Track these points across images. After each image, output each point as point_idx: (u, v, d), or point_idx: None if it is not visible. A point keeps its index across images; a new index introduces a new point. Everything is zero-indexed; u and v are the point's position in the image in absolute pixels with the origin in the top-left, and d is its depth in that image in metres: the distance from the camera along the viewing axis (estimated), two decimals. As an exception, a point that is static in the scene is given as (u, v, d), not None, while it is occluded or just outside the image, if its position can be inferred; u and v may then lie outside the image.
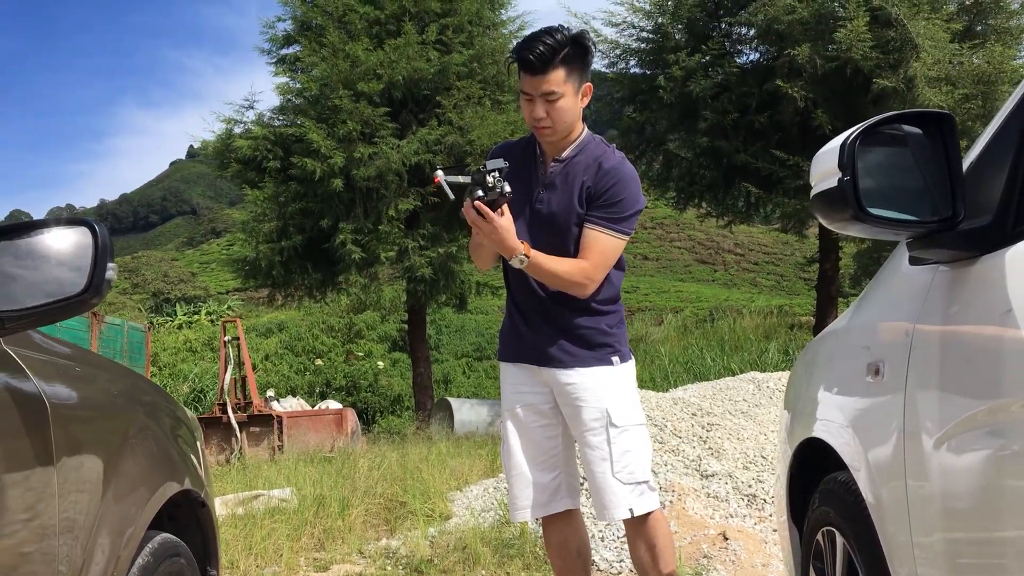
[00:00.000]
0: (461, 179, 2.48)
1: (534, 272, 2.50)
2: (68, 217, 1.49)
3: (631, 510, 2.53)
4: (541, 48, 2.41)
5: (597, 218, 2.52)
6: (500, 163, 2.40)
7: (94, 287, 1.38)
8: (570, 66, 2.45)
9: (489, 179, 2.38)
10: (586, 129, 2.61)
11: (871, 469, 1.64)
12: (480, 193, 2.39)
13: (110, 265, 1.41)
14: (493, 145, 2.76)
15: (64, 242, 1.42)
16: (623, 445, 2.54)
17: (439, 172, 2.50)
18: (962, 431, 1.33)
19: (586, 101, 2.55)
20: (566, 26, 2.49)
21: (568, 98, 2.47)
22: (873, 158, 1.45)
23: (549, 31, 2.45)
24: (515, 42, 2.55)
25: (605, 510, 2.57)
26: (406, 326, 15.06)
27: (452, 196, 2.56)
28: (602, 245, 2.51)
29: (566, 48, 2.43)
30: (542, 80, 2.43)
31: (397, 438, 10.98)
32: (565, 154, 2.58)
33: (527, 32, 2.68)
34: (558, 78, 2.44)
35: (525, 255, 2.44)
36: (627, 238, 2.56)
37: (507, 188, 2.38)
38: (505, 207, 2.42)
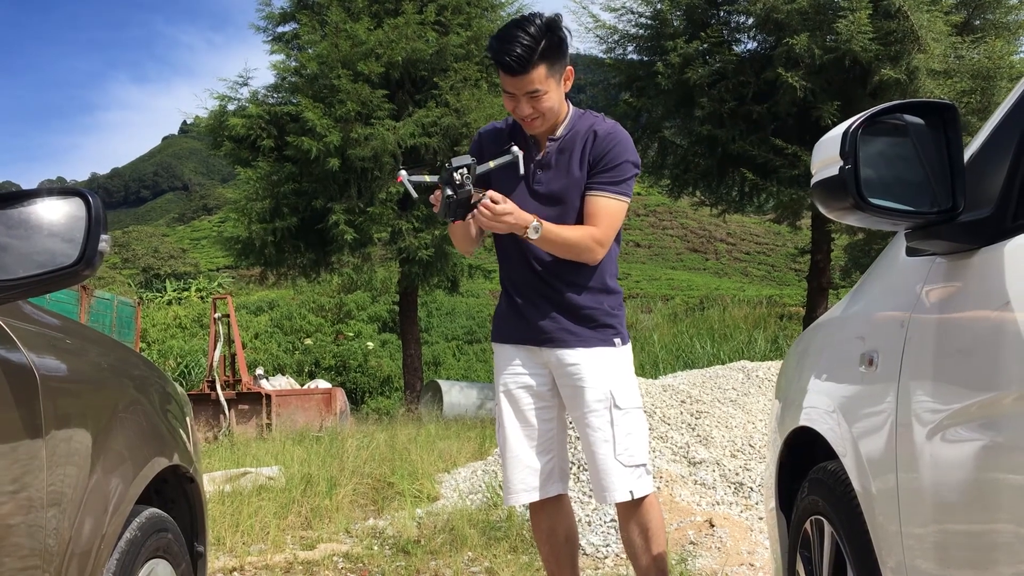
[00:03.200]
0: (427, 179, 2.47)
1: (546, 242, 2.49)
2: (62, 187, 1.47)
3: (631, 492, 2.53)
4: (519, 50, 2.37)
5: (599, 184, 2.52)
6: (467, 159, 2.39)
7: (86, 259, 1.36)
8: (549, 60, 2.42)
9: (456, 177, 2.37)
10: (571, 105, 2.61)
11: (862, 459, 1.64)
12: (449, 192, 2.38)
13: (103, 237, 1.39)
14: (504, 119, 2.73)
15: (57, 212, 1.40)
16: (626, 427, 2.55)
17: (402, 172, 2.48)
18: (955, 423, 1.33)
19: (569, 85, 2.54)
20: (538, 15, 2.45)
21: (552, 91, 2.46)
22: (875, 147, 1.44)
23: (522, 26, 2.40)
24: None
25: (605, 492, 2.56)
26: (397, 307, 15.06)
27: (415, 195, 2.56)
28: (609, 209, 2.52)
29: (543, 42, 2.40)
30: (523, 80, 2.41)
31: (386, 419, 10.99)
32: (559, 132, 2.58)
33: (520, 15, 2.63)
34: (540, 76, 2.42)
35: (539, 223, 2.44)
36: (629, 201, 2.57)
37: (472, 187, 2.37)
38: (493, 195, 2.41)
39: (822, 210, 1.54)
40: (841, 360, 1.86)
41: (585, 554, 3.98)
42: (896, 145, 1.46)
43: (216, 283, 32.41)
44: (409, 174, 2.46)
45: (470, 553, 4.03)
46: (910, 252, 1.59)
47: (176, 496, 2.07)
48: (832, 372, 1.94)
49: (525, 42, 2.37)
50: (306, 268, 12.78)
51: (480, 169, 2.43)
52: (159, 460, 1.82)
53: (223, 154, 12.33)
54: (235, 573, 3.88)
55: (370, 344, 21.70)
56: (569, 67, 2.52)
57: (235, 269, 34.87)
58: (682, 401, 5.84)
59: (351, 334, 22.63)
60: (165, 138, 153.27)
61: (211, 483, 5.25)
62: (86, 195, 1.40)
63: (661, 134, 12.37)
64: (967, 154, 1.53)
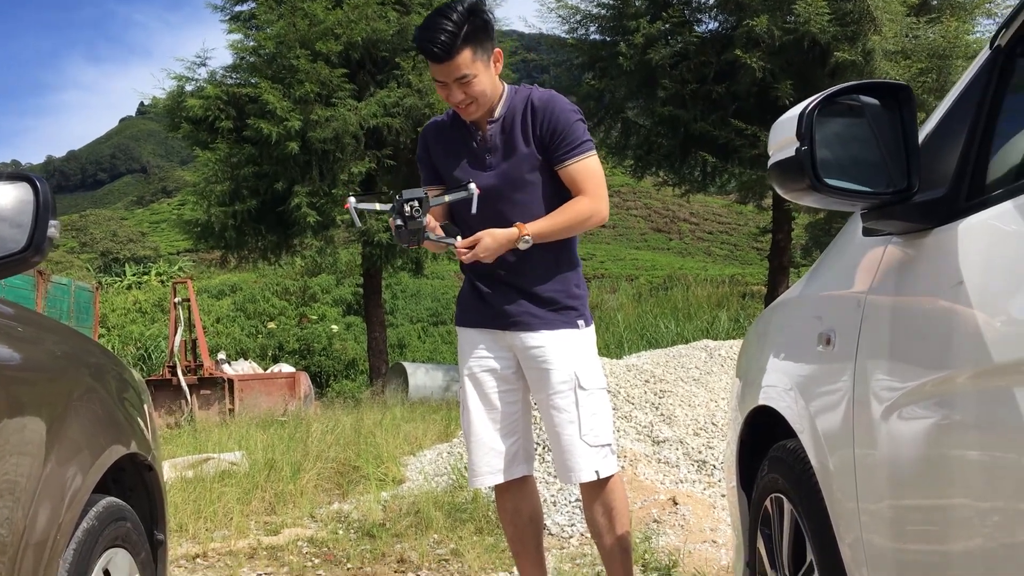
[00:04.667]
0: (378, 207, 2.47)
1: (551, 237, 2.51)
2: (9, 172, 1.44)
3: (597, 472, 2.55)
4: (442, 36, 2.38)
5: (564, 154, 2.53)
6: (419, 192, 2.40)
7: (35, 245, 1.34)
8: (474, 43, 2.43)
9: (406, 208, 2.38)
10: (505, 84, 2.61)
11: (819, 437, 1.66)
12: (399, 223, 2.39)
13: (52, 222, 1.36)
14: (445, 111, 2.72)
15: (4, 198, 1.37)
16: (590, 408, 2.56)
17: (351, 198, 2.49)
18: (911, 401, 1.35)
19: (499, 66, 2.54)
20: (459, 1, 2.44)
21: (481, 75, 2.47)
22: (831, 128, 1.45)
23: (444, 13, 2.41)
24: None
25: (571, 472, 2.57)
26: (361, 290, 14.97)
27: (359, 224, 2.57)
28: (588, 171, 2.54)
29: (465, 27, 2.40)
30: (450, 67, 2.43)
31: (351, 402, 10.95)
32: (497, 113, 2.58)
33: None
34: (466, 60, 2.43)
35: (526, 236, 2.46)
36: (594, 149, 2.59)
37: (426, 220, 2.39)
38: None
39: (779, 191, 1.55)
40: (799, 339, 1.88)
41: (550, 534, 4.00)
42: (852, 126, 1.47)
43: (177, 267, 31.99)
44: (358, 201, 2.47)
45: (436, 535, 4.03)
46: (866, 232, 1.60)
47: (135, 484, 2.04)
48: (790, 351, 1.96)
49: (448, 28, 2.38)
50: (267, 251, 12.64)
51: (434, 202, 2.44)
52: (116, 448, 1.80)
53: (181, 136, 12.13)
54: (198, 559, 3.85)
55: (334, 327, 21.57)
56: (497, 49, 2.52)
57: (196, 252, 34.46)
58: (646, 381, 5.88)
59: (315, 317, 22.48)
60: (123, 120, 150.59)
61: (173, 469, 5.20)
62: (34, 179, 1.37)
63: (624, 115, 12.39)
64: (922, 134, 1.54)
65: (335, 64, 11.36)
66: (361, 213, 2.47)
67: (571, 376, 2.55)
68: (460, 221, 2.63)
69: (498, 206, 2.53)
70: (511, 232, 2.46)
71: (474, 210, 2.45)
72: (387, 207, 2.43)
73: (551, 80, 12.88)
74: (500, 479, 2.65)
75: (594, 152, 2.57)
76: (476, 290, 2.66)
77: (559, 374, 2.56)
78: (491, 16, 2.50)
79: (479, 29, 2.43)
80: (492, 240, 2.46)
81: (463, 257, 2.48)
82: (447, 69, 2.43)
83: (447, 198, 2.46)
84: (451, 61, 2.41)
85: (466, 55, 2.41)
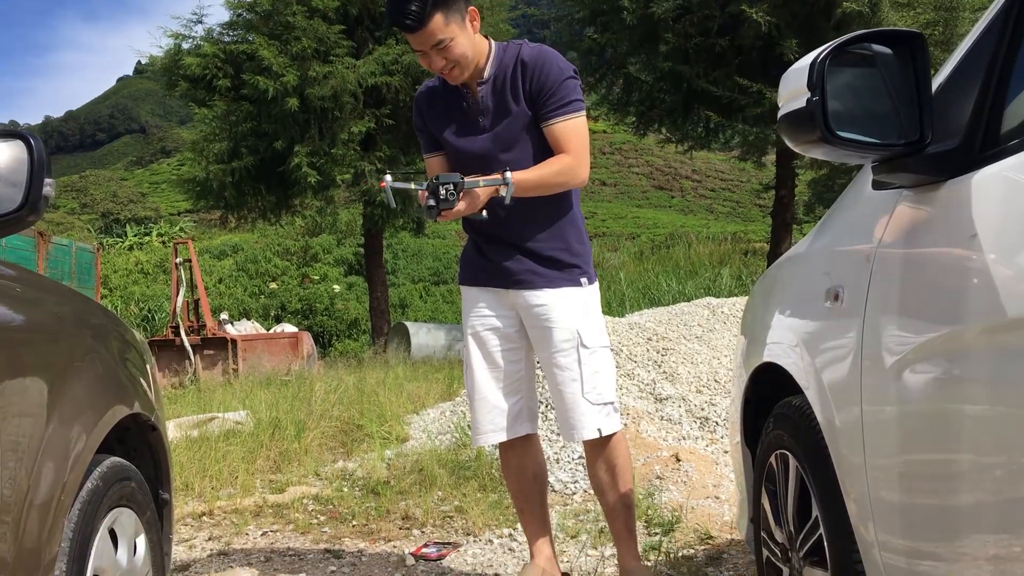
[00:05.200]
0: (414, 186, 2.44)
1: (526, 192, 2.45)
2: (2, 129, 1.41)
3: (599, 430, 2.55)
4: (412, 7, 2.35)
5: (551, 112, 2.48)
6: (455, 177, 2.39)
7: (31, 203, 1.32)
8: (444, 7, 2.38)
9: (442, 191, 2.37)
10: (492, 42, 2.57)
11: (826, 393, 1.65)
12: (432, 203, 2.38)
13: (47, 181, 1.34)
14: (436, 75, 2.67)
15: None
16: (593, 366, 2.56)
17: (387, 177, 2.47)
18: (920, 357, 1.33)
19: (477, 25, 2.50)
20: None
21: (459, 37, 2.43)
22: (842, 78, 1.42)
23: None
24: None
25: (573, 430, 2.58)
26: (362, 250, 14.94)
27: (392, 205, 2.60)
28: (573, 130, 2.49)
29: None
30: (424, 34, 2.39)
31: (354, 362, 10.98)
32: (487, 74, 2.54)
33: None
34: (439, 25, 2.38)
35: (507, 182, 2.40)
36: (584, 110, 2.55)
37: (460, 205, 2.38)
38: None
39: (789, 143, 1.51)
40: (806, 295, 1.86)
41: (554, 491, 4.02)
42: (864, 76, 1.44)
43: (178, 227, 31.96)
44: (394, 180, 2.45)
45: (440, 493, 4.06)
46: (876, 185, 1.57)
47: (139, 444, 2.04)
48: (797, 308, 1.95)
49: None
50: (267, 211, 12.59)
51: (468, 185, 2.39)
52: (119, 408, 1.79)
53: (179, 94, 12.02)
54: (204, 518, 3.88)
55: (336, 287, 21.60)
56: (472, 8, 2.48)
57: (197, 213, 34.38)
58: (648, 338, 5.88)
59: (317, 277, 22.50)
60: (120, 79, 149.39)
61: (178, 429, 5.22)
62: (28, 137, 1.34)
63: (626, 70, 12.23)
64: (935, 84, 1.51)
65: (332, 20, 11.21)
66: (397, 192, 2.45)
67: (573, 334, 2.54)
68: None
69: (492, 167, 2.50)
70: (490, 188, 2.41)
71: (507, 201, 2.41)
72: (422, 186, 2.41)
73: (552, 35, 12.71)
74: (503, 437, 2.66)
75: (582, 113, 2.52)
76: (479, 249, 2.65)
77: (561, 332, 2.55)
78: None
79: None
80: (475, 200, 2.41)
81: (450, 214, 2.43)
82: (422, 38, 2.40)
83: (481, 182, 2.41)
84: (424, 29, 2.37)
85: (438, 20, 2.37)
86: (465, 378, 2.74)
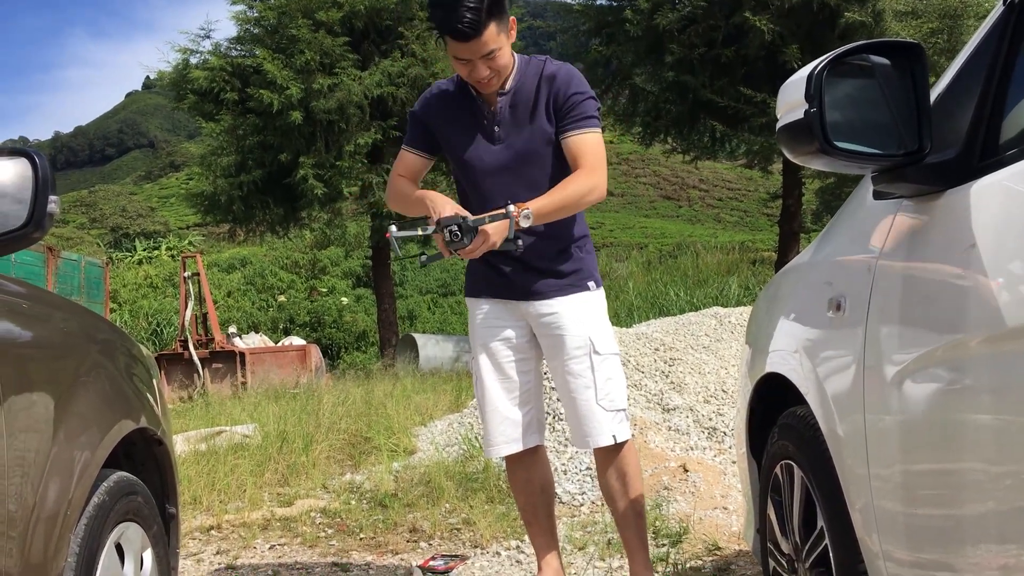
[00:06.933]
0: (420, 232, 2.42)
1: (547, 217, 2.42)
2: (8, 148, 1.43)
3: (614, 436, 2.56)
4: (468, 15, 2.28)
5: (572, 124, 2.47)
6: (457, 219, 2.34)
7: (36, 220, 1.33)
8: (497, 15, 2.35)
9: (446, 234, 2.33)
10: (514, 54, 2.54)
11: (830, 403, 1.65)
12: (448, 239, 2.34)
13: (52, 198, 1.36)
14: (450, 77, 2.65)
15: (4, 174, 1.36)
16: (606, 372, 2.56)
17: (392, 227, 2.41)
18: (922, 366, 1.33)
19: (514, 35, 2.48)
20: None
21: (505, 47, 2.41)
22: (841, 89, 1.42)
23: None
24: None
25: (588, 438, 2.58)
26: (370, 262, 14.97)
27: (399, 253, 2.58)
28: (590, 145, 2.47)
29: (491, 7, 2.32)
30: (477, 44, 2.34)
31: (362, 374, 10.98)
32: (508, 86, 2.52)
33: None
34: (492, 35, 2.34)
35: (526, 210, 2.35)
36: (600, 128, 2.54)
37: (466, 242, 2.33)
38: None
39: (788, 155, 1.52)
40: (809, 305, 1.87)
41: (561, 502, 4.02)
42: (862, 87, 1.44)
43: (187, 241, 32.07)
44: (399, 229, 2.40)
45: (447, 505, 4.05)
46: (877, 196, 1.58)
47: (145, 459, 2.05)
48: (800, 317, 1.95)
49: (471, 4, 2.28)
50: (275, 224, 12.64)
51: (474, 222, 2.34)
52: (126, 423, 1.80)
53: (187, 108, 12.10)
54: (212, 531, 3.88)
55: (344, 299, 21.64)
56: (512, 17, 2.45)
57: (205, 227, 34.51)
58: (656, 349, 5.87)
59: (325, 290, 22.55)
60: (128, 94, 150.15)
61: (186, 443, 5.23)
62: (32, 155, 1.36)
63: (632, 81, 12.26)
64: (933, 94, 1.51)
65: (337, 33, 11.27)
66: (403, 241, 2.43)
67: (586, 341, 2.55)
68: (471, 190, 2.60)
69: (506, 179, 2.50)
70: (509, 221, 2.34)
71: (510, 236, 2.35)
72: (428, 231, 2.39)
73: (558, 47, 12.76)
74: (516, 448, 2.65)
75: (599, 130, 2.52)
76: (487, 262, 2.64)
77: (574, 339, 2.56)
78: None
79: (498, 1, 2.36)
80: (494, 235, 2.35)
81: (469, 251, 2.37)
82: (474, 47, 2.34)
83: (487, 219, 2.36)
84: (479, 38, 2.33)
85: (492, 29, 2.34)
86: (476, 390, 2.74)
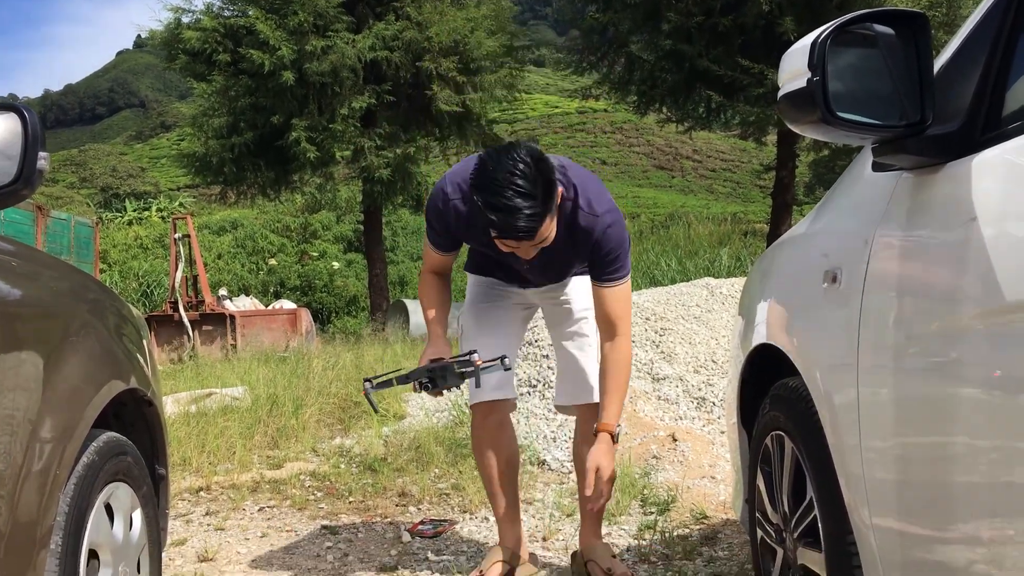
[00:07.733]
0: (396, 384, 2.44)
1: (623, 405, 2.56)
2: (-4, 102, 1.40)
3: None
4: (525, 223, 2.16)
5: (607, 274, 2.47)
6: (434, 372, 2.37)
7: (25, 177, 1.31)
8: (552, 207, 2.24)
9: (416, 386, 2.39)
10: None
11: (823, 375, 1.65)
12: (435, 388, 2.40)
13: (42, 154, 1.33)
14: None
15: (-8, 129, 1.33)
16: None
17: (366, 384, 2.44)
18: (917, 339, 1.33)
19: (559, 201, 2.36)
20: (523, 161, 2.17)
21: (552, 224, 2.29)
22: (843, 59, 1.40)
23: (518, 189, 2.14)
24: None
25: (582, 392, 2.69)
26: (362, 227, 14.91)
27: (377, 411, 2.71)
28: (621, 296, 2.50)
29: (547, 201, 2.19)
30: (535, 240, 2.26)
31: (352, 339, 10.99)
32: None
33: None
34: (547, 227, 2.25)
35: (617, 426, 2.48)
36: (629, 276, 2.55)
37: (439, 385, 2.38)
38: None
39: (789, 124, 1.50)
40: (804, 277, 1.86)
41: (550, 469, 4.04)
42: (865, 57, 1.42)
43: (177, 202, 31.83)
44: (374, 386, 2.43)
45: (436, 470, 4.07)
46: (876, 167, 1.56)
47: (135, 420, 2.04)
48: (795, 289, 1.94)
49: (529, 212, 2.16)
50: (266, 186, 12.56)
51: (440, 369, 2.37)
52: (115, 384, 1.79)
53: (178, 68, 11.97)
54: (202, 492, 3.89)
55: (335, 264, 21.58)
56: (560, 188, 2.32)
57: (196, 188, 34.28)
58: (647, 318, 5.88)
59: (316, 254, 22.47)
60: (119, 53, 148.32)
61: (176, 404, 5.23)
62: (21, 110, 1.33)
63: (628, 49, 12.17)
64: (936, 66, 1.49)
65: (332, -6, 11.14)
66: (380, 393, 2.45)
67: (590, 305, 2.65)
68: (507, 267, 2.61)
69: (535, 274, 2.61)
70: (606, 439, 2.44)
71: (458, 384, 2.41)
72: (404, 381, 2.41)
73: (554, 13, 12.65)
74: (499, 395, 2.67)
75: (628, 280, 2.54)
76: (494, 272, 2.74)
77: (579, 306, 2.72)
78: (552, 165, 2.25)
79: (553, 191, 2.22)
80: (604, 457, 2.41)
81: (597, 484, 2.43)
82: (531, 242, 2.26)
83: (481, 371, 2.36)
84: (535, 238, 2.25)
85: (548, 223, 2.25)
86: (461, 342, 2.77)
